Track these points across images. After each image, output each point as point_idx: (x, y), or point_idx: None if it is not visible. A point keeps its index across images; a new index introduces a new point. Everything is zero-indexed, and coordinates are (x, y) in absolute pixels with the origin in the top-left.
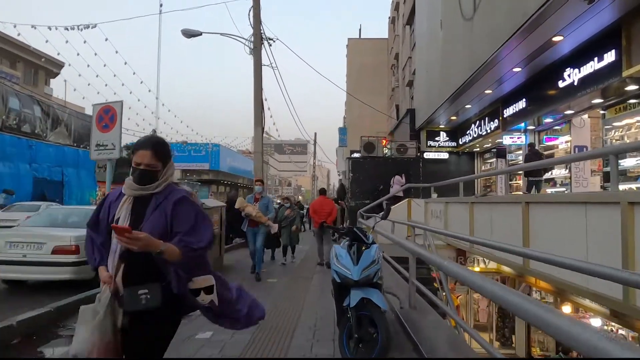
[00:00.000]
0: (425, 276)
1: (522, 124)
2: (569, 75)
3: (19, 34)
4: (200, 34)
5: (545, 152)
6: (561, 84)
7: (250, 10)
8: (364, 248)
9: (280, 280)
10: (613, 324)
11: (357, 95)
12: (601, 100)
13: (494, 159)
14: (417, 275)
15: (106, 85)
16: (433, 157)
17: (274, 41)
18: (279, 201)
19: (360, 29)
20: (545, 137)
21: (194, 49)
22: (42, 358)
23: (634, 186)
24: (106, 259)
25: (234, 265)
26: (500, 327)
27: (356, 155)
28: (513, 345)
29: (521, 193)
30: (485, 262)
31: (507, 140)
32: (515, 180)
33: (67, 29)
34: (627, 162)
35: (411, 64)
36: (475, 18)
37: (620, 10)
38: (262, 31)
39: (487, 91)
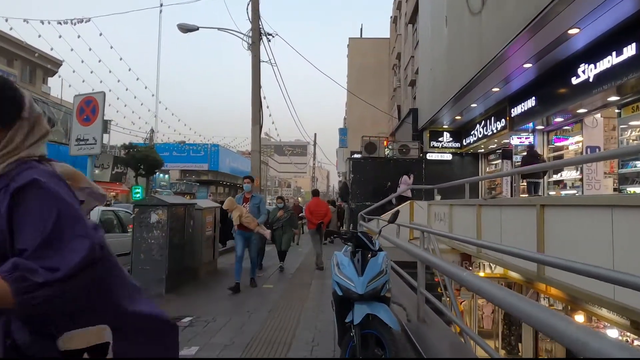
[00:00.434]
0: (429, 282)
1: (530, 124)
2: (583, 72)
3: (11, 29)
4: (196, 28)
5: (555, 154)
6: (574, 81)
7: (248, 4)
8: (369, 256)
9: (277, 286)
10: (628, 334)
11: (359, 95)
12: (617, 98)
13: (499, 160)
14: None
15: (101, 82)
16: (436, 158)
17: (273, 37)
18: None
19: (361, 29)
20: (554, 137)
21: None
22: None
23: None
24: None
25: (227, 269)
26: (506, 334)
27: (357, 156)
28: (520, 353)
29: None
30: (491, 268)
31: (514, 140)
32: (522, 183)
33: (60, 23)
34: None
35: (414, 63)
36: (484, 12)
37: None
38: (260, 26)
39: (495, 89)
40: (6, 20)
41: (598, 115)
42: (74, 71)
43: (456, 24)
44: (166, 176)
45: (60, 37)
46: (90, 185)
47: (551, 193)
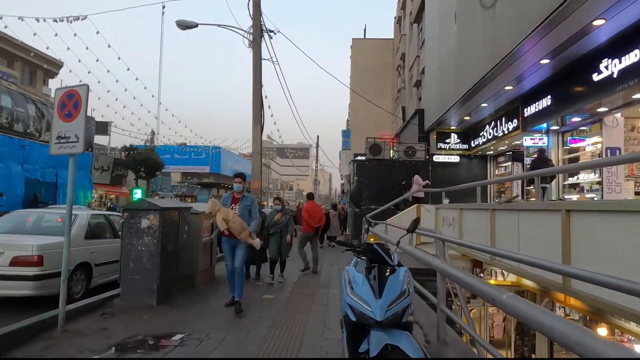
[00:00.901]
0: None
1: (545, 124)
2: (606, 67)
3: (5, 27)
4: (195, 25)
5: (570, 155)
6: (596, 77)
7: (249, 0)
8: (388, 273)
9: (278, 297)
10: None
11: (362, 98)
12: None
13: (509, 163)
14: (428, 288)
15: (99, 82)
16: (443, 161)
17: (275, 34)
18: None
19: (365, 29)
20: (569, 138)
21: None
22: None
23: None
24: None
25: (225, 276)
26: (519, 345)
27: (361, 158)
28: None
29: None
30: (504, 275)
31: (527, 141)
32: (531, 187)
33: (55, 21)
34: None
35: (419, 63)
36: (498, 5)
37: None
38: (262, 22)
39: (508, 87)
40: (0, 18)
41: (618, 115)
42: (70, 71)
43: (466, 20)
44: (167, 178)
45: (56, 35)
46: None
47: (566, 197)
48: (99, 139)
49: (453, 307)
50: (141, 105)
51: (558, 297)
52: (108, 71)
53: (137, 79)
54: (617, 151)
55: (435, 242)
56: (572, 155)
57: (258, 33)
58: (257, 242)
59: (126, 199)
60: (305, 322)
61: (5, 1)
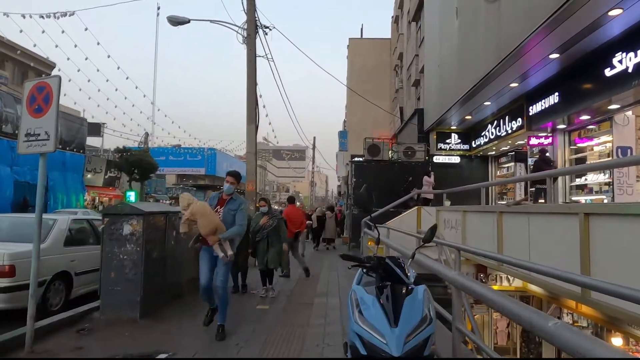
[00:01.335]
0: (442, 296)
1: (550, 123)
2: (620, 62)
3: None
4: (188, 21)
5: (577, 155)
6: (609, 73)
7: None
8: (404, 292)
9: (273, 307)
10: None
11: (359, 98)
12: None
13: (512, 164)
14: (433, 295)
15: (89, 80)
16: (443, 161)
17: (270, 29)
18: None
19: (361, 29)
20: (576, 137)
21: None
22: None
23: None
24: None
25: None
26: (524, 352)
27: (359, 159)
28: None
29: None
30: (509, 280)
31: (532, 140)
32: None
33: (42, 17)
34: None
35: (418, 62)
36: None
37: None
38: (256, 18)
39: (513, 84)
40: None
41: (629, 113)
42: (59, 70)
43: (469, 15)
44: (162, 181)
45: (43, 32)
46: None
47: (574, 198)
48: (92, 141)
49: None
50: (133, 105)
51: (567, 304)
52: (98, 70)
53: (127, 78)
54: (629, 150)
55: (437, 247)
56: (579, 155)
57: (252, 29)
58: (229, 254)
59: (120, 202)
60: (303, 338)
61: None
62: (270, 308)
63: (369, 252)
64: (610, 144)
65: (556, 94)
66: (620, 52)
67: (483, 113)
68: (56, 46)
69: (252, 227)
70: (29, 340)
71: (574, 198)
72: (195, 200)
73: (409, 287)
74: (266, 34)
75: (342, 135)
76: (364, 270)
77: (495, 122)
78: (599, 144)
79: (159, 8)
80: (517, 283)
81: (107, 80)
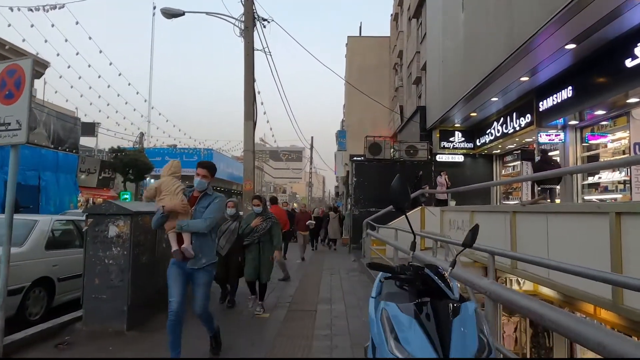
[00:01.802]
0: None
1: (561, 120)
2: None
3: None
4: (182, 13)
5: (589, 153)
6: (629, 63)
7: None
8: (450, 311)
9: (273, 315)
10: None
11: (358, 97)
12: None
13: (517, 162)
14: None
15: (80, 77)
16: (446, 160)
17: (269, 22)
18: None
19: (360, 27)
20: (588, 134)
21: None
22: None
23: None
24: None
25: (214, 290)
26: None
27: (359, 158)
28: None
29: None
30: (519, 283)
31: (542, 137)
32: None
33: (31, 10)
34: None
35: (419, 59)
36: None
37: None
38: (254, 10)
39: (523, 78)
40: None
41: None
42: (49, 65)
43: (476, 7)
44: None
45: (32, 26)
46: None
47: (586, 198)
48: (86, 141)
49: None
50: (126, 103)
51: (584, 308)
52: (89, 66)
53: (120, 75)
54: None
55: (436, 248)
56: (591, 153)
57: (250, 20)
58: (175, 250)
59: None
60: (309, 353)
61: None
62: (270, 317)
63: (369, 252)
64: (625, 141)
65: (569, 87)
66: None
67: (489, 110)
68: (45, 41)
69: (242, 229)
70: None
71: (586, 197)
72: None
73: (456, 303)
74: (264, 26)
75: (341, 134)
76: (399, 283)
77: (502, 119)
78: (614, 141)
79: (154, 8)
80: (527, 286)
81: (99, 77)
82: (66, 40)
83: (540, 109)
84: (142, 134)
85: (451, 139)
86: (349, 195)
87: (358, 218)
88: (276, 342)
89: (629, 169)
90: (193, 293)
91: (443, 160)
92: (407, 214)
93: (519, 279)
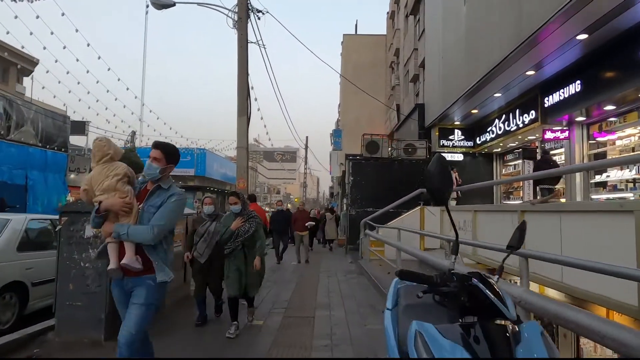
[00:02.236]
0: None
1: (567, 116)
2: None
3: None
4: (173, 4)
5: (596, 151)
6: None
7: None
8: (509, 333)
9: (268, 323)
10: None
11: (354, 96)
12: None
13: (519, 161)
14: None
15: (68, 72)
16: (446, 159)
17: (263, 14)
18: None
19: (356, 25)
20: (594, 131)
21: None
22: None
23: None
24: None
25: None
26: None
27: (355, 157)
28: None
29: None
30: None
31: (548, 135)
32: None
33: (14, 0)
34: None
35: (417, 56)
36: None
37: None
38: (248, 1)
39: (529, 72)
40: None
41: None
42: (35, 60)
43: None
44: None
45: (16, 17)
46: None
47: (593, 197)
48: (76, 140)
49: None
50: (116, 99)
51: (596, 311)
52: (77, 60)
53: (109, 69)
54: None
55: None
56: (598, 150)
57: (244, 12)
58: (115, 268)
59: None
60: None
61: None
62: (264, 324)
63: (368, 253)
64: (636, 137)
65: (578, 82)
66: None
67: (490, 107)
68: (31, 33)
69: (220, 234)
70: None
71: (593, 197)
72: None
73: (514, 325)
74: (258, 18)
75: (336, 133)
76: (437, 297)
77: (504, 116)
78: (622, 138)
79: (147, 6)
80: (533, 288)
81: (88, 72)
82: (52, 33)
83: (546, 105)
84: (133, 133)
85: (450, 137)
86: (346, 195)
87: (355, 218)
88: (271, 352)
89: (638, 168)
90: (127, 316)
91: None
92: (404, 216)
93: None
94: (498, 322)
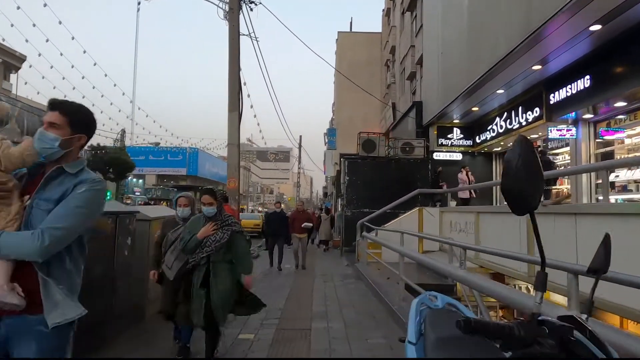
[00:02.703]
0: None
1: (573, 113)
2: None
3: None
4: None
5: (603, 150)
6: None
7: None
8: None
9: (259, 336)
10: None
11: (348, 95)
12: None
13: None
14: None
15: (52, 67)
16: (444, 158)
17: (256, 5)
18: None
19: (351, 22)
20: (601, 129)
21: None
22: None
23: None
24: None
25: None
26: None
27: (350, 155)
28: None
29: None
30: (528, 291)
31: (553, 133)
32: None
33: None
34: None
35: (414, 53)
36: None
37: None
38: None
39: (535, 67)
40: None
41: None
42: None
43: None
44: (140, 181)
45: (12, 26)
46: None
47: (600, 198)
48: None
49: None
50: (102, 95)
51: (609, 319)
52: (61, 54)
53: (95, 64)
54: None
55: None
56: (605, 150)
57: (235, 2)
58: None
59: None
60: None
61: None
62: (255, 337)
63: (366, 256)
64: None
65: (587, 77)
66: None
67: (491, 105)
68: (12, 25)
69: (183, 240)
70: None
71: (600, 198)
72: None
73: None
74: (251, 9)
75: (331, 132)
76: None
77: (506, 114)
78: (632, 136)
79: (139, 3)
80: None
81: (73, 67)
82: (34, 25)
83: (551, 102)
84: (123, 131)
85: (449, 136)
86: (341, 195)
87: (351, 219)
88: None
89: None
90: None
91: (440, 158)
92: (402, 217)
93: (529, 286)
94: None
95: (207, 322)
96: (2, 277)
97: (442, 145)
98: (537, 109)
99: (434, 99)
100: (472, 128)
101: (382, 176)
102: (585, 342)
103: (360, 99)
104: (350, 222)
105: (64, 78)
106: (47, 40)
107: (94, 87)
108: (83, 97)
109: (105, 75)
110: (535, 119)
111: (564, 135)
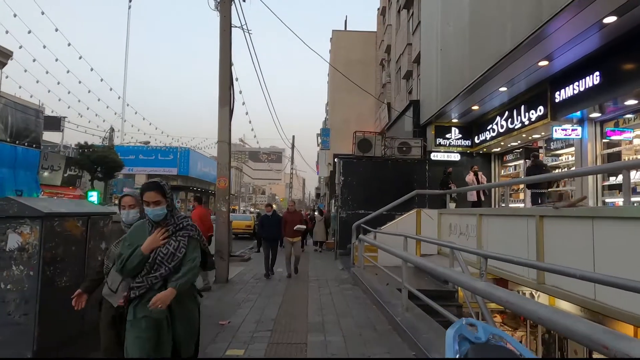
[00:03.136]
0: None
1: (579, 112)
2: None
3: None
4: None
5: (609, 150)
6: None
7: None
8: None
9: (250, 352)
10: None
11: (342, 94)
12: None
13: (520, 162)
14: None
15: (34, 60)
16: (441, 159)
17: None
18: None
19: (345, 21)
20: (607, 129)
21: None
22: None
23: None
24: None
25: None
26: None
27: (345, 155)
28: None
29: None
30: (533, 297)
31: (558, 133)
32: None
33: None
34: None
35: (411, 51)
36: None
37: None
38: None
39: (542, 63)
40: None
41: None
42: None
43: None
44: (126, 180)
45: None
46: None
47: (607, 200)
48: (51, 136)
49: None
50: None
51: (620, 327)
52: (44, 47)
53: (80, 58)
54: None
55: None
56: (612, 150)
57: None
58: None
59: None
60: None
61: None
62: (245, 353)
63: (363, 260)
64: None
65: (596, 73)
66: None
67: (491, 103)
68: (6, 31)
69: (120, 259)
70: None
71: (607, 200)
72: None
73: None
74: (244, 0)
75: (324, 132)
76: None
77: (507, 112)
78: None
79: (130, 0)
80: (542, 299)
81: (57, 60)
82: (15, 15)
83: (557, 100)
84: (112, 129)
85: (448, 136)
86: (335, 196)
87: (346, 221)
88: None
89: None
90: None
91: (438, 158)
92: (398, 219)
93: (533, 292)
94: None
95: (183, 354)
96: None
97: (440, 145)
98: (541, 107)
99: (432, 97)
100: (470, 128)
101: (378, 177)
102: None
103: (355, 99)
104: (345, 224)
105: (47, 72)
106: (29, 32)
107: (80, 82)
108: (68, 92)
109: (92, 69)
110: (539, 118)
111: (569, 135)
